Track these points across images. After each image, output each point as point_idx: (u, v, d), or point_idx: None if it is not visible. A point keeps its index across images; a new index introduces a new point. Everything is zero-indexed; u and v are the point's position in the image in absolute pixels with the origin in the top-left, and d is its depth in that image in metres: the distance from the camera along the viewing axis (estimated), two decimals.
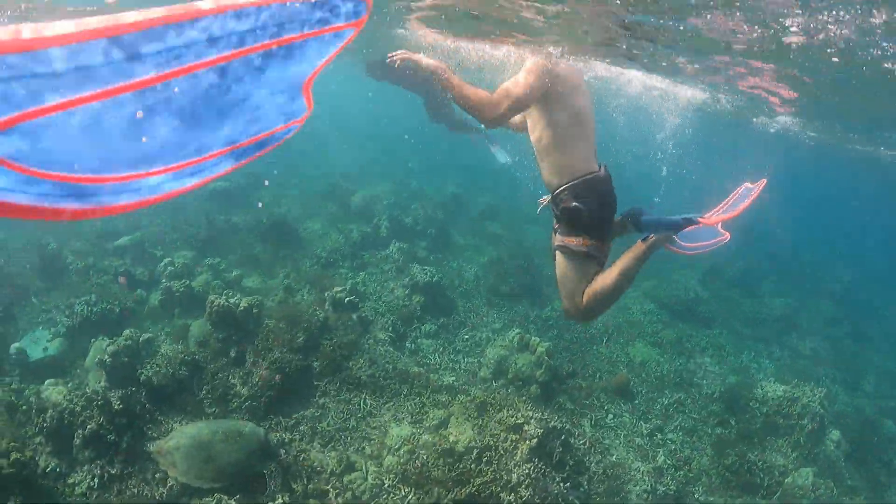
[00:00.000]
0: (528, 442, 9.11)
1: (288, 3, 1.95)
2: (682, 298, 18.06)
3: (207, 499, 8.41)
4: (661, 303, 18.08)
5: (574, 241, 6.18)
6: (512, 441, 9.15)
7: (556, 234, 6.47)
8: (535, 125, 6.39)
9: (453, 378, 12.03)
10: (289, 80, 2.24)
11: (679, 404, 13.08)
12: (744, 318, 19.29)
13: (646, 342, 15.49)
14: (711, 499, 10.78)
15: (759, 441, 12.38)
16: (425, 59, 6.06)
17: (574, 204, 6.11)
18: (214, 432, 8.85)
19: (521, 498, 8.40)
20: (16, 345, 11.92)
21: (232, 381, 10.95)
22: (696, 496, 10.71)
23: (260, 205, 23.48)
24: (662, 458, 11.27)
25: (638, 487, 10.35)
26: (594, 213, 6.11)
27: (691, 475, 11.09)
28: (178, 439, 8.95)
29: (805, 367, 16.80)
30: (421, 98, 14.97)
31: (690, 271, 21.44)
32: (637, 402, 12.84)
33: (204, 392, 10.83)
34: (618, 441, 11.51)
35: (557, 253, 6.38)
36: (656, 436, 11.99)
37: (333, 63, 2.30)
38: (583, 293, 6.23)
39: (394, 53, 6.05)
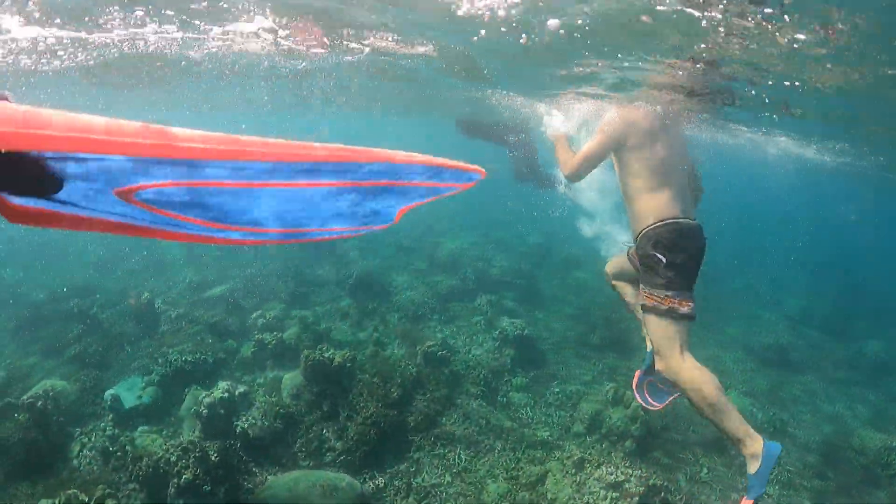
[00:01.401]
0: (628, 500, 9.07)
1: (434, 167, 2.65)
2: (771, 344, 17.70)
3: None
4: (750, 349, 17.75)
5: (655, 298, 6.21)
6: (612, 499, 9.12)
7: (641, 287, 6.52)
8: (619, 174, 6.60)
9: (547, 433, 11.98)
10: (395, 205, 3.08)
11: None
12: (836, 361, 18.78)
13: (738, 392, 15.20)
14: None
15: (857, 493, 12.00)
16: (553, 132, 6.44)
17: (651, 252, 6.17)
18: (312, 485, 8.97)
19: None
20: (110, 391, 12.29)
21: (326, 434, 11.11)
22: None
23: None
24: None
25: None
26: (674, 262, 6.12)
27: None
28: (274, 490, 9.14)
29: None
30: (508, 155, 15.12)
31: (777, 315, 21.04)
32: (733, 453, 12.61)
33: (298, 445, 11.02)
34: (714, 496, 11.31)
35: (643, 311, 6.43)
36: None
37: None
38: (680, 354, 6.26)
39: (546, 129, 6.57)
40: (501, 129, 14.18)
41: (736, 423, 6.29)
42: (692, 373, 6.31)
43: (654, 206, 6.35)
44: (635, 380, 7.56)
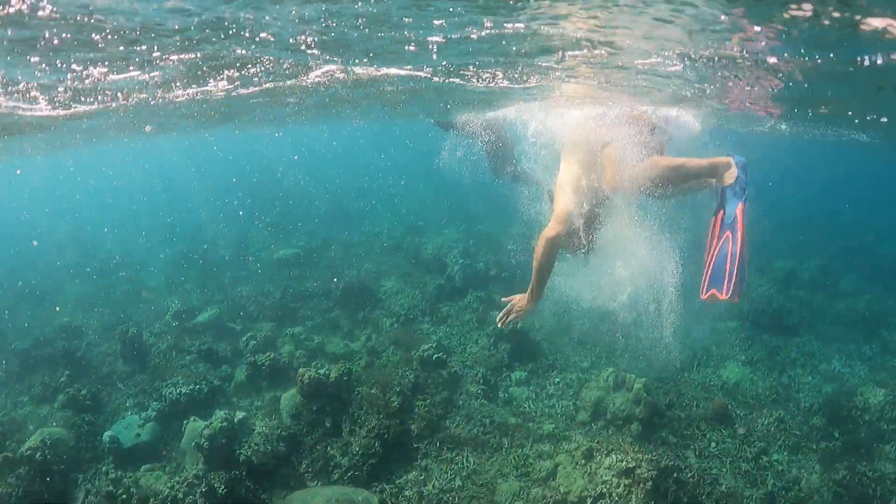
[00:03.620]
0: (641, 485, 9.00)
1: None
2: (764, 310, 17.72)
3: None
4: (745, 317, 17.76)
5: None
6: (625, 486, 9.05)
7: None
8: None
9: (552, 425, 11.91)
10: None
11: (780, 422, 12.71)
12: (829, 320, 18.84)
13: (736, 362, 15.22)
14: None
15: (866, 451, 12.00)
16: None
17: None
18: (328, 500, 8.97)
19: None
20: (108, 433, 12.17)
21: (331, 451, 11.01)
22: None
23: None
24: (771, 481, 10.98)
25: None
26: None
27: (802, 495, 10.77)
28: (292, 502, 9.10)
29: None
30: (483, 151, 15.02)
31: (766, 279, 21.04)
32: (737, 425, 12.60)
33: (304, 465, 10.93)
34: (724, 469, 11.26)
35: None
36: (762, 458, 11.67)
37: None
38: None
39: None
40: (476, 122, 14.12)
41: (700, 161, 7.13)
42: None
43: None
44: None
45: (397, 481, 10.53)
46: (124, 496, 10.11)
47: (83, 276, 25.41)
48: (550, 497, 9.42)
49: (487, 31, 7.31)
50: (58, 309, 20.55)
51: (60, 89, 10.87)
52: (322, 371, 11.98)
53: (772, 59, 8.54)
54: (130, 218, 36.42)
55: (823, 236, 26.58)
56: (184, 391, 13.22)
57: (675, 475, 9.54)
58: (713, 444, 11.89)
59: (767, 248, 22.33)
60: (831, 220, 29.16)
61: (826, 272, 22.71)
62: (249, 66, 9.88)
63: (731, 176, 6.90)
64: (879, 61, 8.02)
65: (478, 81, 11.94)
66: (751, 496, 10.51)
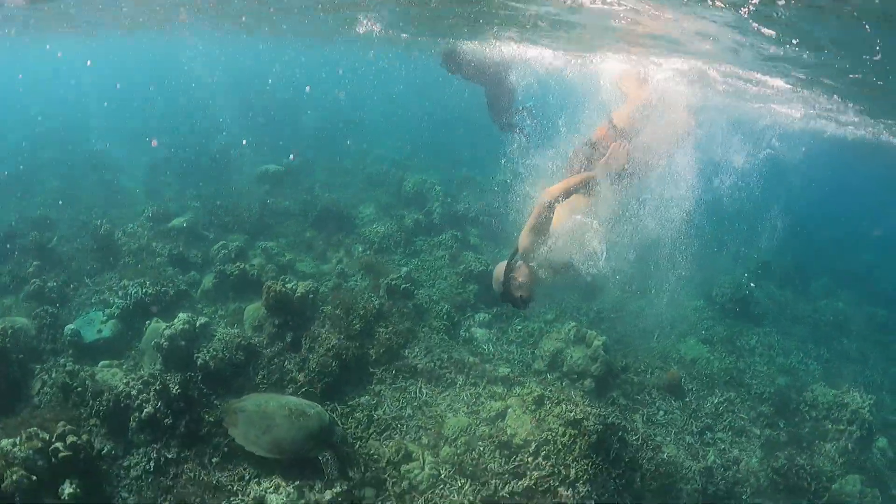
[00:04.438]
0: (586, 438, 9.11)
1: None
2: (733, 295, 17.88)
3: (266, 483, 8.49)
4: (712, 299, 17.97)
5: None
6: (571, 436, 9.15)
7: None
8: None
9: (508, 369, 12.00)
10: None
11: (729, 404, 12.99)
12: (794, 317, 19.10)
13: (697, 339, 15.43)
14: (759, 500, 10.71)
15: (807, 445, 12.28)
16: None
17: None
18: (281, 406, 8.90)
19: (578, 493, 8.43)
20: (70, 326, 12.05)
21: (288, 366, 11.03)
22: (743, 497, 10.65)
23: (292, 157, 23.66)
24: (712, 457, 11.19)
25: (689, 486, 10.28)
26: None
27: (740, 476, 10.99)
28: (246, 403, 9.10)
29: (853, 371, 16.58)
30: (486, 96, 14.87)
31: (742, 268, 21.21)
32: (688, 399, 12.77)
33: (260, 377, 10.93)
34: (669, 438, 11.46)
35: None
36: (706, 434, 11.96)
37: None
38: None
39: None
40: (484, 66, 14.01)
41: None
42: None
43: None
44: None
45: (350, 402, 10.59)
46: (79, 388, 10.01)
47: (62, 171, 25.09)
48: (497, 437, 9.52)
49: None
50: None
51: None
52: (289, 286, 11.92)
53: None
54: (120, 118, 35.78)
55: (802, 236, 26.73)
56: (150, 291, 13.10)
57: (620, 434, 9.68)
58: (661, 413, 12.08)
59: (747, 237, 22.49)
60: (814, 221, 29.22)
61: (799, 271, 22.88)
62: None
63: None
64: None
65: None
66: (690, 468, 10.68)
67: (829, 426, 12.60)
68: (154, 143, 26.67)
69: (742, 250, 21.89)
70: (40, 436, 8.05)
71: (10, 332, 11.03)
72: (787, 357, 16.13)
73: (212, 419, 9.39)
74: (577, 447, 9.01)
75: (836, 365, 16.68)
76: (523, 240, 6.86)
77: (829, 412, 12.75)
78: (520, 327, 13.66)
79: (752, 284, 19.21)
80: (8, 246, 16.31)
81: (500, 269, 7.20)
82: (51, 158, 27.24)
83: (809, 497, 10.93)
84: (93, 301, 13.87)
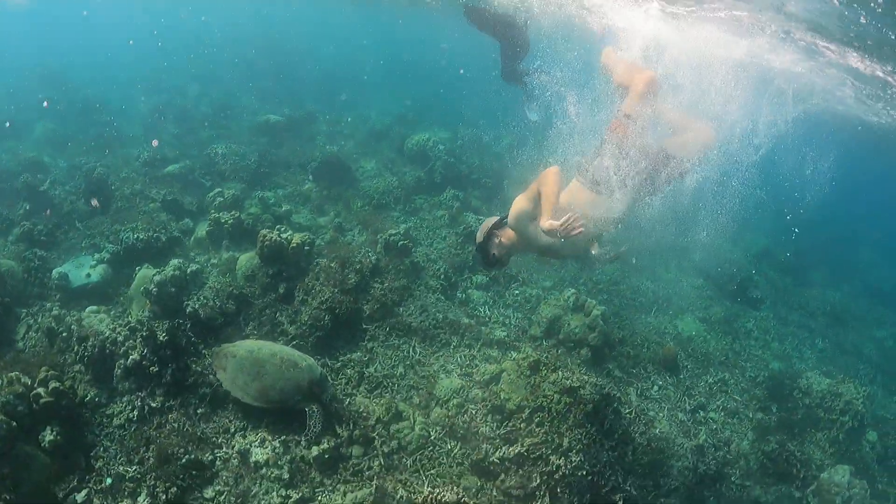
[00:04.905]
0: (581, 407, 8.90)
1: None
2: (732, 276, 17.76)
3: (252, 437, 8.39)
4: (711, 279, 17.81)
5: None
6: (566, 403, 8.92)
7: None
8: None
9: (504, 333, 11.83)
10: None
11: (723, 384, 12.91)
12: (792, 304, 18.93)
13: (694, 317, 15.25)
14: (748, 483, 10.58)
15: (798, 431, 12.17)
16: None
17: None
18: (273, 354, 8.74)
19: (571, 463, 8.21)
20: (58, 269, 11.87)
21: (280, 318, 10.87)
22: (733, 479, 10.51)
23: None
24: (704, 436, 11.04)
25: (680, 463, 10.14)
26: None
27: (730, 457, 10.85)
28: (237, 348, 8.94)
29: (847, 363, 16.49)
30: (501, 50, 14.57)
31: (743, 250, 21.07)
32: (682, 376, 12.64)
33: (251, 327, 10.76)
34: (661, 414, 11.33)
35: None
36: (699, 413, 11.84)
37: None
38: None
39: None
40: (507, 21, 13.69)
41: None
42: None
43: None
44: None
45: (341, 358, 10.42)
46: (64, 333, 9.88)
47: (57, 114, 24.67)
48: (490, 400, 9.33)
49: None
50: None
51: None
52: (285, 236, 11.69)
53: None
54: (120, 62, 35.31)
55: (805, 223, 26.51)
56: (141, 237, 12.87)
57: (615, 405, 9.48)
58: (655, 388, 11.94)
59: (749, 222, 22.33)
60: (822, 212, 28.94)
61: (800, 258, 22.68)
62: None
63: None
64: None
65: None
66: (682, 445, 10.55)
67: (822, 415, 12.45)
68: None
69: (741, 232, 21.81)
70: (22, 381, 7.94)
71: None
72: (782, 343, 15.99)
73: (199, 368, 9.22)
74: (572, 416, 8.79)
75: (830, 355, 16.56)
76: (516, 205, 6.52)
77: (822, 401, 12.58)
78: (517, 292, 13.45)
79: (752, 271, 19.09)
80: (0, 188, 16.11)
81: (489, 221, 6.98)
82: (48, 99, 26.88)
83: (797, 484, 10.82)
84: (83, 245, 13.67)
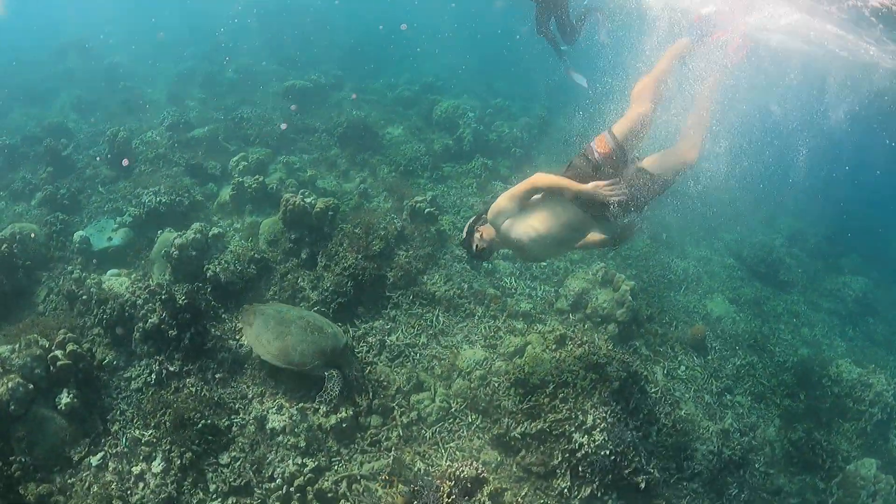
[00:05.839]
0: (607, 384, 8.64)
1: None
2: (764, 258, 17.35)
3: (269, 403, 8.31)
4: (742, 259, 17.43)
5: None
6: (591, 380, 8.67)
7: None
8: None
9: (530, 305, 11.53)
10: None
11: (751, 367, 12.55)
12: (822, 290, 18.44)
13: (724, 297, 14.91)
14: (772, 471, 10.32)
15: (826, 421, 11.84)
16: None
17: None
18: (300, 317, 8.64)
19: (594, 441, 7.97)
20: (80, 232, 11.88)
21: (302, 283, 10.76)
22: (757, 466, 10.25)
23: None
24: (730, 420, 10.78)
25: (704, 447, 9.88)
26: None
27: (755, 443, 10.58)
28: (267, 307, 8.91)
29: (877, 354, 15.92)
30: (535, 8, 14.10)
31: (775, 231, 20.69)
32: (710, 357, 12.33)
33: (272, 292, 10.66)
34: (688, 395, 11.06)
35: None
36: (725, 396, 11.54)
37: None
38: None
39: None
40: None
41: None
42: None
43: None
44: None
45: (362, 326, 10.26)
46: (84, 297, 9.83)
47: (83, 81, 24.80)
48: (514, 373, 9.05)
49: None
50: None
51: None
52: (309, 200, 11.52)
53: None
54: (143, 30, 35.24)
55: (838, 207, 25.95)
56: (163, 200, 12.83)
57: (641, 384, 9.24)
58: (682, 368, 11.67)
59: (782, 204, 21.91)
60: (852, 193, 28.29)
61: (831, 243, 22.21)
62: None
63: None
64: None
65: None
66: (707, 428, 10.28)
67: (851, 405, 12.08)
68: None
69: (779, 213, 21.41)
70: (40, 343, 7.92)
71: (18, 237, 11.01)
72: (811, 329, 15.59)
73: (218, 333, 9.15)
74: (598, 393, 8.53)
75: (860, 345, 16.11)
76: (497, 202, 6.57)
77: (851, 390, 12.21)
78: (545, 264, 13.11)
79: (784, 253, 18.71)
80: (24, 153, 16.26)
81: (473, 219, 7.14)
82: (72, 68, 26.93)
83: (822, 474, 10.57)
84: (105, 209, 13.63)
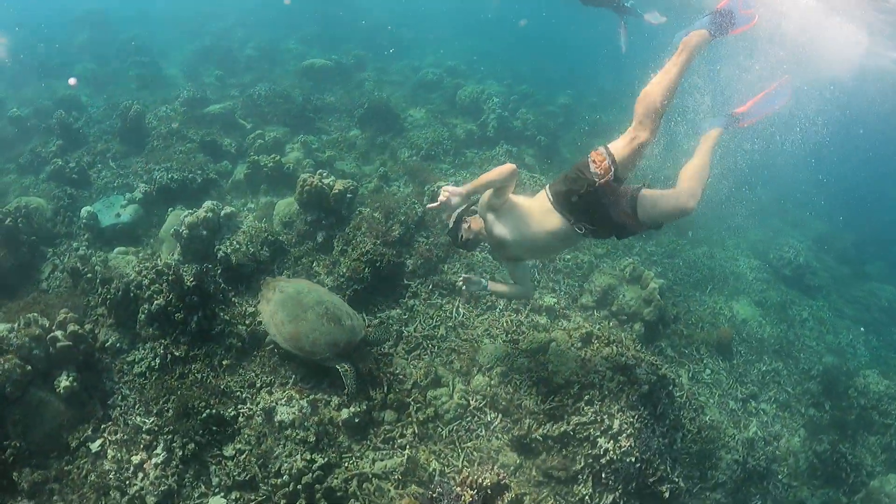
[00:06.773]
0: (636, 388, 8.19)
1: None
2: (790, 262, 16.90)
3: (278, 394, 7.93)
4: (769, 262, 17.02)
5: None
6: (619, 382, 8.22)
7: None
8: None
9: (554, 300, 11.07)
10: None
11: (776, 374, 12.22)
12: (848, 296, 18.04)
13: (750, 300, 14.52)
14: (795, 483, 10.06)
15: (851, 433, 11.50)
16: None
17: None
18: (319, 303, 8.16)
19: (620, 447, 7.53)
20: (87, 208, 11.53)
21: (317, 268, 10.38)
22: (780, 478, 9.88)
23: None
24: (755, 429, 10.45)
25: (729, 456, 9.55)
26: None
27: (779, 453, 10.31)
28: (289, 285, 8.49)
29: None
30: None
31: (801, 234, 20.27)
32: (735, 362, 11.99)
33: (286, 276, 10.20)
34: (712, 400, 10.72)
35: None
36: (750, 403, 11.22)
37: None
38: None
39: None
40: None
41: None
42: None
43: None
44: None
45: (379, 315, 9.86)
46: (89, 274, 9.48)
47: (97, 55, 24.71)
48: (536, 371, 8.59)
49: None
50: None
51: None
52: (326, 181, 11.08)
53: None
54: (160, 6, 35.07)
55: (866, 212, 25.58)
56: (175, 177, 12.52)
57: (669, 388, 8.80)
58: (708, 372, 11.33)
59: (808, 205, 21.52)
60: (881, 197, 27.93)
61: (859, 249, 21.81)
62: None
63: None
64: None
65: None
66: (733, 436, 10.00)
67: (877, 418, 11.78)
68: None
69: (808, 216, 21.03)
70: (39, 322, 7.57)
71: (23, 211, 10.66)
72: (836, 336, 15.17)
73: (227, 317, 8.74)
74: (625, 397, 8.08)
75: (884, 354, 15.63)
76: (484, 196, 6.51)
77: (878, 402, 11.93)
78: (569, 258, 12.66)
79: (811, 257, 18.29)
80: (34, 125, 16.20)
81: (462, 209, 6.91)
82: (87, 41, 26.70)
83: (845, 489, 10.27)
84: (115, 185, 13.32)
